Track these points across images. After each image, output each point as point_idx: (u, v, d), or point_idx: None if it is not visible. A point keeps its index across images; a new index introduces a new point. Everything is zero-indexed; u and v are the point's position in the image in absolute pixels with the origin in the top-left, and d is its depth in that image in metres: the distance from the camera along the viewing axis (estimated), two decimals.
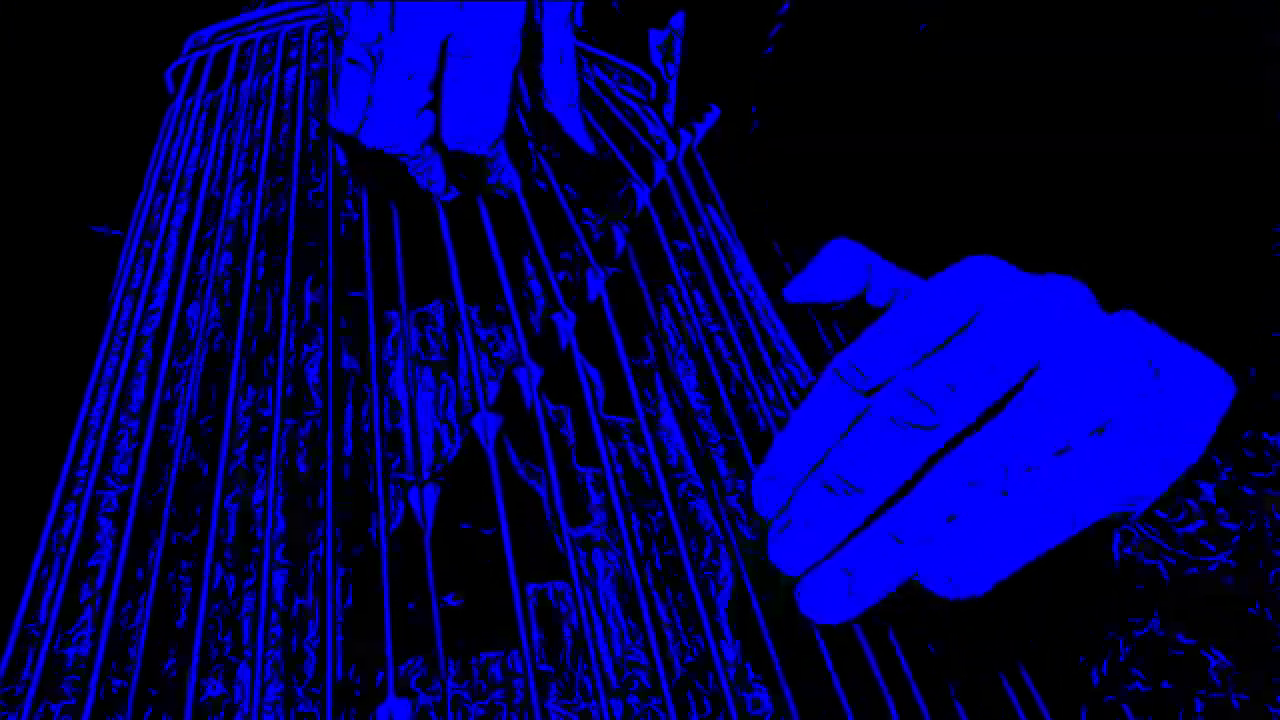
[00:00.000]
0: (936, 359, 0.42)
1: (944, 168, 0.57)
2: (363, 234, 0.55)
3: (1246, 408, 0.42)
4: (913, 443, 0.41)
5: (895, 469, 0.41)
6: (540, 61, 0.55)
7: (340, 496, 0.45)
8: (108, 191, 0.62)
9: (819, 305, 0.50)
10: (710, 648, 0.43)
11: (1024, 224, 0.53)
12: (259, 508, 0.46)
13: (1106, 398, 0.41)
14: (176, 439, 0.48)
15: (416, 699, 0.41)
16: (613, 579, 0.45)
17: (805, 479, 0.42)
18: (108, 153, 0.65)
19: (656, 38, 0.69)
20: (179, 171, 0.61)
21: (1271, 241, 0.50)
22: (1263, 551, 0.41)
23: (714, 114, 0.64)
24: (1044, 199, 0.55)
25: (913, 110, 0.58)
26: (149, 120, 0.65)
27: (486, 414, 0.47)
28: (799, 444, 0.43)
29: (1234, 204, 0.52)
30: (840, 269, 0.50)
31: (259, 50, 0.66)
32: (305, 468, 0.47)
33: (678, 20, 0.69)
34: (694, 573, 0.45)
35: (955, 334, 0.42)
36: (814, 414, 0.43)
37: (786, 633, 0.44)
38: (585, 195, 0.58)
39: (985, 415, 0.41)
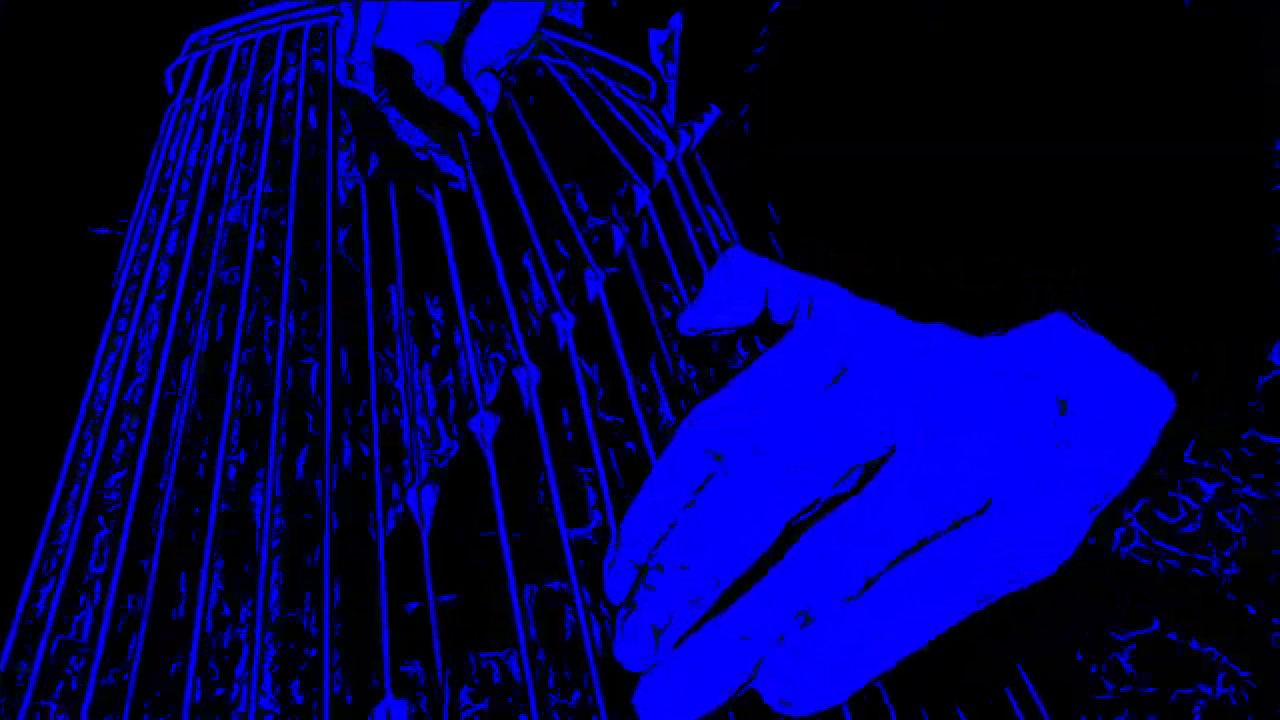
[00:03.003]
0: (790, 423, 0.36)
1: (940, 171, 0.56)
2: (362, 233, 0.55)
3: (1245, 409, 0.42)
4: (754, 525, 0.35)
5: (735, 555, 0.35)
6: (473, 23, 0.53)
7: (338, 497, 0.45)
8: (107, 191, 0.62)
9: (719, 335, 0.46)
10: None
11: (1020, 226, 0.53)
12: (257, 507, 0.46)
13: (984, 472, 0.35)
14: (175, 439, 0.48)
15: (414, 699, 0.41)
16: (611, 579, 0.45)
17: (649, 559, 0.37)
18: (108, 152, 0.65)
19: (656, 38, 0.69)
20: (179, 171, 0.61)
21: (1270, 246, 0.49)
22: (1263, 551, 0.41)
23: (714, 114, 0.64)
24: (1042, 201, 0.54)
25: (908, 114, 0.58)
26: (149, 120, 0.65)
27: (485, 414, 0.47)
28: (648, 515, 0.37)
29: (1236, 206, 0.51)
30: (734, 290, 0.45)
31: (259, 50, 0.66)
32: (303, 468, 0.47)
33: (677, 20, 0.69)
34: None
35: (815, 395, 0.37)
36: (665, 480, 0.37)
37: None
38: (584, 194, 0.58)
39: (839, 497, 0.36)
